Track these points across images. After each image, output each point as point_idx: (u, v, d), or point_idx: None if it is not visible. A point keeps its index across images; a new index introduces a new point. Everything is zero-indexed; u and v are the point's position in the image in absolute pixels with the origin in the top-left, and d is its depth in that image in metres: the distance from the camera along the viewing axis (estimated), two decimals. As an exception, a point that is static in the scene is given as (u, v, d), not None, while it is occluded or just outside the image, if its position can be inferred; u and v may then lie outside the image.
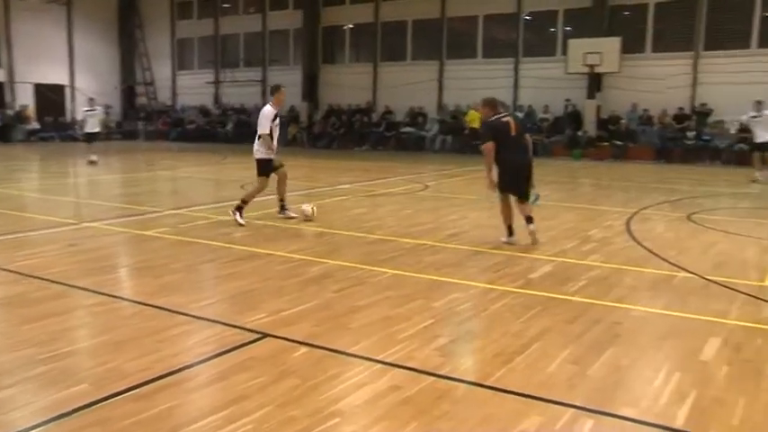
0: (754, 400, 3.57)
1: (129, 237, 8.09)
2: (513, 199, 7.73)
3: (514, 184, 7.64)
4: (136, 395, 3.55)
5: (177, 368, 3.91)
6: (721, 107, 20.28)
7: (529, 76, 23.66)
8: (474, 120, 22.43)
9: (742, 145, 19.16)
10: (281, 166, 9.31)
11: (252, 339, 4.41)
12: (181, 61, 33.11)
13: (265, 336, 4.48)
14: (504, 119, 7.60)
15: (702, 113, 20.85)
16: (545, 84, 22.81)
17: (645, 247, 7.53)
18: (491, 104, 7.78)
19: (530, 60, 23.82)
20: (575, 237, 8.18)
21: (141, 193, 12.81)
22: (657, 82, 21.36)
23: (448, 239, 7.90)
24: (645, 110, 21.69)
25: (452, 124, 24.33)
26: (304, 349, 4.24)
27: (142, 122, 31.98)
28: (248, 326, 4.67)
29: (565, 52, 22.17)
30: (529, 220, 7.68)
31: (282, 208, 9.37)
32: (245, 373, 3.84)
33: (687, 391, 3.68)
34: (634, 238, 8.07)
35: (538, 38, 24.29)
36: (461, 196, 12.02)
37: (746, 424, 3.33)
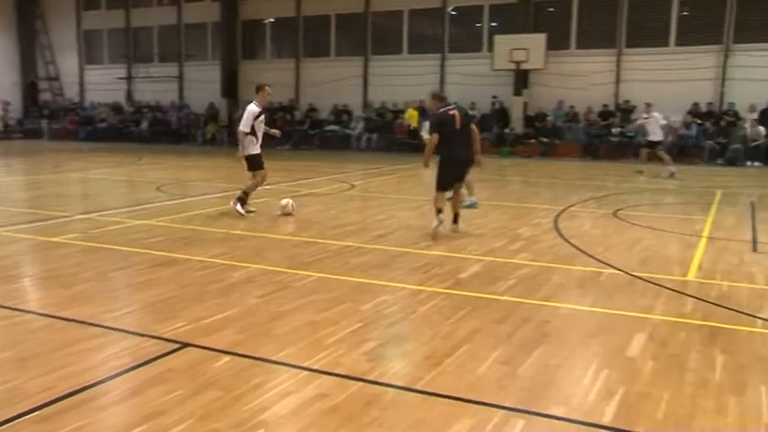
0: (678, 394, 3.74)
1: (35, 244, 7.73)
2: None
3: (451, 180, 8.21)
4: (39, 416, 3.38)
5: (87, 384, 3.76)
6: (643, 103, 21.16)
7: (455, 72, 24.03)
8: (412, 118, 22.60)
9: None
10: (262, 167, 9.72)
11: (170, 350, 4.29)
12: (89, 55, 31.91)
13: (185, 345, 4.37)
14: (451, 111, 8.10)
15: (626, 110, 21.73)
16: (472, 80, 23.23)
17: (572, 245, 7.77)
18: (440, 97, 8.45)
19: (456, 56, 24.21)
20: (503, 235, 8.35)
21: (47, 196, 12.27)
22: (582, 79, 22.12)
23: (375, 240, 7.92)
24: (571, 107, 22.42)
25: (378, 122, 24.44)
26: (226, 358, 4.16)
27: (46, 121, 30.63)
28: (166, 336, 4.55)
29: (491, 48, 22.65)
30: (456, 218, 8.32)
31: (240, 200, 9.53)
32: (162, 386, 3.73)
33: (615, 387, 3.82)
34: (562, 236, 8.32)
35: (464, 33, 24.72)
36: (389, 196, 12.08)
37: (670, 418, 3.48)
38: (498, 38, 22.29)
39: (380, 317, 5.06)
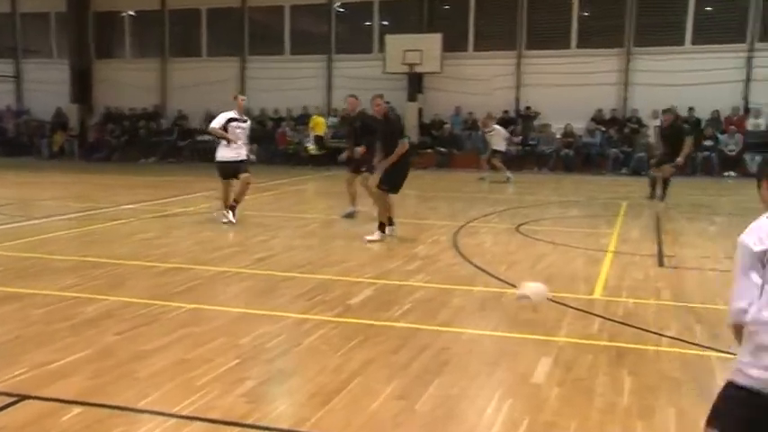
0: (585, 421, 3.91)
1: None
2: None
3: (402, 183, 9.45)
4: None
5: None
6: (546, 110, 22.17)
7: (343, 75, 24.21)
8: (318, 125, 22.53)
9: (568, 151, 21.14)
10: (245, 171, 10.59)
11: (4, 405, 4.04)
12: None
13: (22, 398, 4.12)
14: None
15: (528, 117, 22.63)
16: (361, 84, 23.27)
17: (473, 264, 7.99)
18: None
19: (344, 58, 24.43)
20: (398, 255, 8.48)
21: None
22: (481, 83, 22.83)
23: (256, 264, 7.85)
24: (469, 113, 23.07)
25: (258, 131, 24.17)
26: (77, 410, 3.96)
27: None
28: None
29: (382, 49, 23.00)
30: (390, 221, 9.46)
31: (231, 208, 10.62)
32: (-3, 447, 3.51)
33: (520, 417, 3.94)
34: (461, 254, 8.54)
35: (352, 33, 25.01)
36: (271, 214, 11.99)
37: (578, 447, 3.64)
38: (390, 38, 22.67)
39: (261, 351, 5.00)
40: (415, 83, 23.08)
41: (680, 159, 13.33)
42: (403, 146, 9.24)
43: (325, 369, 4.63)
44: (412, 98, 23.18)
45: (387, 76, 22.77)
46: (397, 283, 7.07)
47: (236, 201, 10.68)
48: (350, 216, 11.05)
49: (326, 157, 21.12)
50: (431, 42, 22.19)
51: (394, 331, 5.47)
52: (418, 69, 22.40)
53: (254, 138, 23.57)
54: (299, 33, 25.20)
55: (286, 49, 25.23)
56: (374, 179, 9.87)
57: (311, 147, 22.21)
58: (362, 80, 23.39)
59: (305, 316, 5.87)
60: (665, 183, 13.57)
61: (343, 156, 10.83)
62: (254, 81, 25.19)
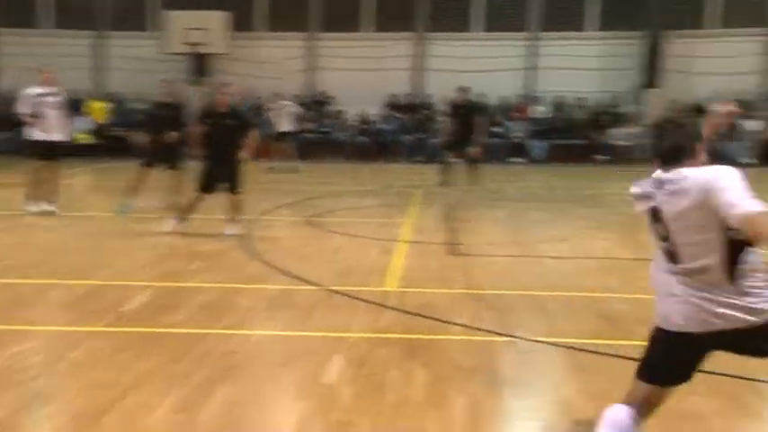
0: (378, 417, 4.02)
1: None
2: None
3: None
4: None
5: None
6: (340, 95, 22.53)
7: (116, 54, 23.27)
8: (97, 112, 21.23)
9: (363, 138, 21.65)
10: (53, 159, 10.63)
11: None
12: None
13: None
14: None
15: (321, 102, 22.89)
16: (136, 65, 22.60)
17: (263, 260, 7.98)
18: None
19: (116, 35, 23.48)
20: (180, 254, 8.32)
21: None
22: (273, 66, 22.75)
23: (6, 272, 7.34)
24: (258, 98, 22.90)
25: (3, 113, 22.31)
26: None
27: None
28: None
29: (161, 27, 22.27)
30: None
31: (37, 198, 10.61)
32: None
33: (311, 419, 4.00)
34: (251, 250, 8.49)
35: (126, 6, 23.99)
36: (21, 210, 11.17)
37: (371, 444, 3.74)
38: (171, 14, 21.98)
39: (13, 373, 4.64)
40: (200, 65, 22.54)
41: (480, 138, 14.23)
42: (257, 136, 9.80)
43: (92, 386, 4.41)
44: (196, 82, 22.61)
45: (167, 56, 22.07)
46: (178, 284, 6.94)
47: (51, 199, 10.72)
48: (126, 211, 10.64)
49: (104, 148, 20.23)
50: (216, 20, 21.78)
51: (174, 338, 5.33)
52: (202, 50, 21.90)
53: (9, 126, 22.07)
54: (62, 5, 23.74)
55: (45, 21, 23.68)
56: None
57: (82, 135, 21.02)
58: (139, 61, 22.58)
59: (70, 328, 5.59)
60: (474, 165, 14.28)
61: (173, 135, 10.41)
62: (8, 58, 23.29)
